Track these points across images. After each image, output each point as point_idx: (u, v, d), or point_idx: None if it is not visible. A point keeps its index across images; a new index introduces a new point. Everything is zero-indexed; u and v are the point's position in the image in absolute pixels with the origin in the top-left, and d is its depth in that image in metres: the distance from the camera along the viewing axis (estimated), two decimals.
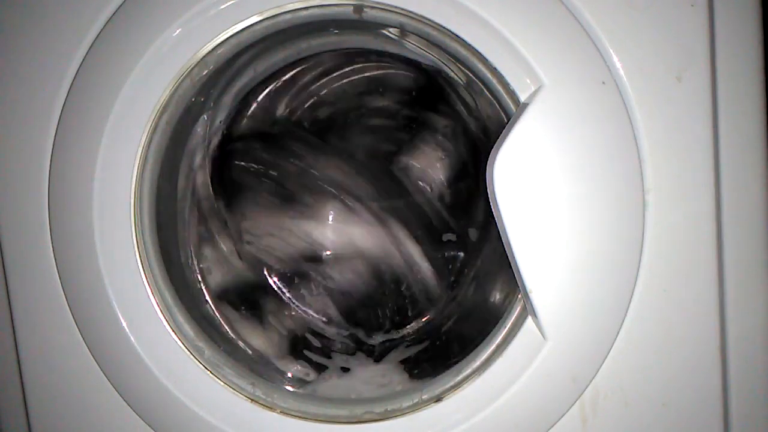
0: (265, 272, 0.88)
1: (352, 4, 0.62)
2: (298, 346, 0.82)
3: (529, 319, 0.60)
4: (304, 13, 0.63)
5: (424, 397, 0.63)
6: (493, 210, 0.59)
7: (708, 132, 0.59)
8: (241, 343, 0.76)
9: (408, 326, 0.88)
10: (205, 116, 0.76)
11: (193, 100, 0.67)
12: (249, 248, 0.87)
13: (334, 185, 0.90)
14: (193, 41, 0.62)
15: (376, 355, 0.82)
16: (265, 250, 0.87)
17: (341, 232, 0.90)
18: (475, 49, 0.59)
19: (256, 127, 0.86)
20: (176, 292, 0.66)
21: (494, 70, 0.59)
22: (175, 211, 0.75)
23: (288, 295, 0.88)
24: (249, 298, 0.85)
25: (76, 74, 0.63)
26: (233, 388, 0.64)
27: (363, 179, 0.90)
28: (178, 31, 0.61)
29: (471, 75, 0.64)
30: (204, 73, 0.64)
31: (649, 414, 0.62)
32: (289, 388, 0.69)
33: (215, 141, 0.81)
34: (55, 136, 0.63)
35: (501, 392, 0.60)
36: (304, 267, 0.89)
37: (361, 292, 0.89)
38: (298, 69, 0.84)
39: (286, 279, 0.89)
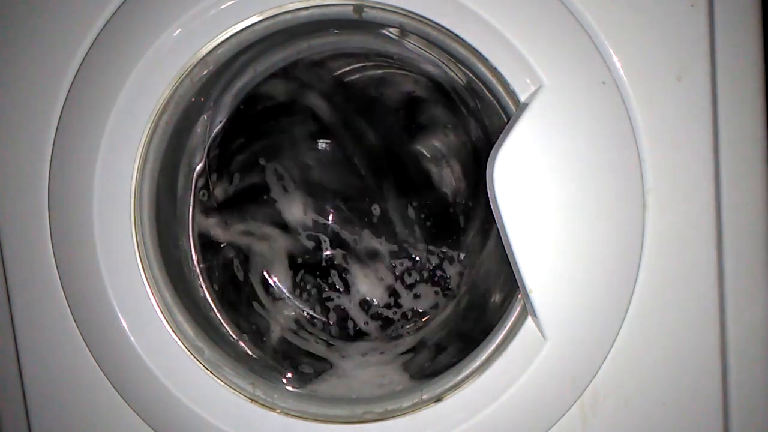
0: (265, 273, 0.88)
1: (352, 4, 0.62)
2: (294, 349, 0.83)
3: (529, 319, 0.60)
4: (304, 13, 0.63)
5: (424, 397, 0.63)
6: (493, 210, 0.59)
7: (708, 132, 0.59)
8: (241, 343, 0.76)
9: (408, 326, 0.88)
10: (205, 116, 0.76)
11: (193, 100, 0.67)
12: (248, 248, 0.87)
13: (334, 186, 0.90)
14: (193, 41, 0.62)
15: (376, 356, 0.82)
16: (264, 249, 0.87)
17: (341, 231, 0.90)
18: (475, 49, 0.59)
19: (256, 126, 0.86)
20: (176, 292, 0.66)
21: (494, 70, 0.59)
22: (175, 211, 0.75)
23: (287, 294, 0.88)
24: (248, 297, 0.85)
25: (76, 74, 0.63)
26: (233, 388, 0.64)
27: (361, 180, 0.90)
28: (178, 31, 0.61)
29: (471, 75, 0.64)
30: (204, 73, 0.64)
31: (649, 414, 0.62)
32: (289, 388, 0.69)
33: (216, 141, 0.81)
34: (55, 136, 0.63)
35: (501, 392, 0.60)
36: (303, 267, 0.89)
37: (361, 292, 0.89)
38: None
39: (286, 279, 0.89)
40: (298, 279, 0.89)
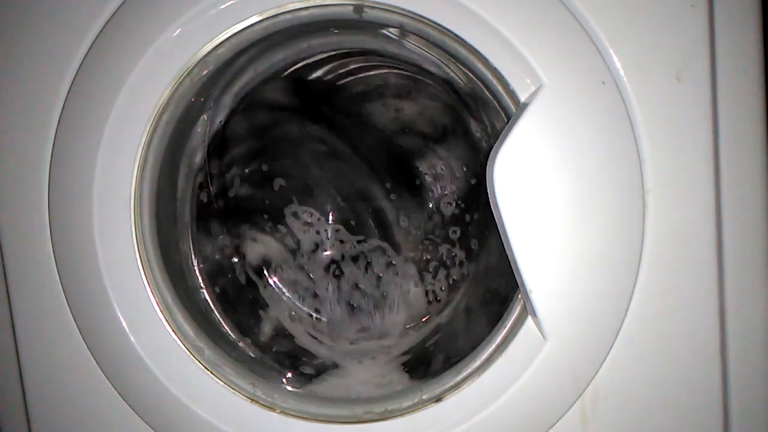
0: (265, 272, 0.88)
1: (352, 4, 0.62)
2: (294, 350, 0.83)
3: (529, 319, 0.60)
4: (304, 13, 0.63)
5: (424, 397, 0.63)
6: (493, 210, 0.59)
7: (708, 132, 0.59)
8: (241, 343, 0.76)
9: (407, 326, 0.88)
10: (205, 116, 0.76)
11: (193, 100, 0.67)
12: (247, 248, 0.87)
13: (332, 191, 0.90)
14: (193, 41, 0.62)
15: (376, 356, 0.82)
16: (265, 249, 0.87)
17: (339, 237, 0.90)
18: (475, 49, 0.59)
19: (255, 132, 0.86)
20: (176, 292, 0.66)
21: (494, 70, 0.59)
22: (175, 211, 0.75)
23: (287, 294, 0.88)
24: (248, 297, 0.85)
25: (76, 74, 0.63)
26: (233, 388, 0.64)
27: (359, 183, 0.90)
28: (178, 31, 0.61)
29: (471, 75, 0.64)
30: (204, 73, 0.64)
31: (649, 414, 0.62)
32: (289, 388, 0.69)
33: (214, 142, 0.81)
34: (55, 136, 0.63)
35: (501, 392, 0.60)
36: (302, 268, 0.89)
37: (361, 292, 0.89)
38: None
39: (286, 279, 0.89)
40: (298, 279, 0.89)
